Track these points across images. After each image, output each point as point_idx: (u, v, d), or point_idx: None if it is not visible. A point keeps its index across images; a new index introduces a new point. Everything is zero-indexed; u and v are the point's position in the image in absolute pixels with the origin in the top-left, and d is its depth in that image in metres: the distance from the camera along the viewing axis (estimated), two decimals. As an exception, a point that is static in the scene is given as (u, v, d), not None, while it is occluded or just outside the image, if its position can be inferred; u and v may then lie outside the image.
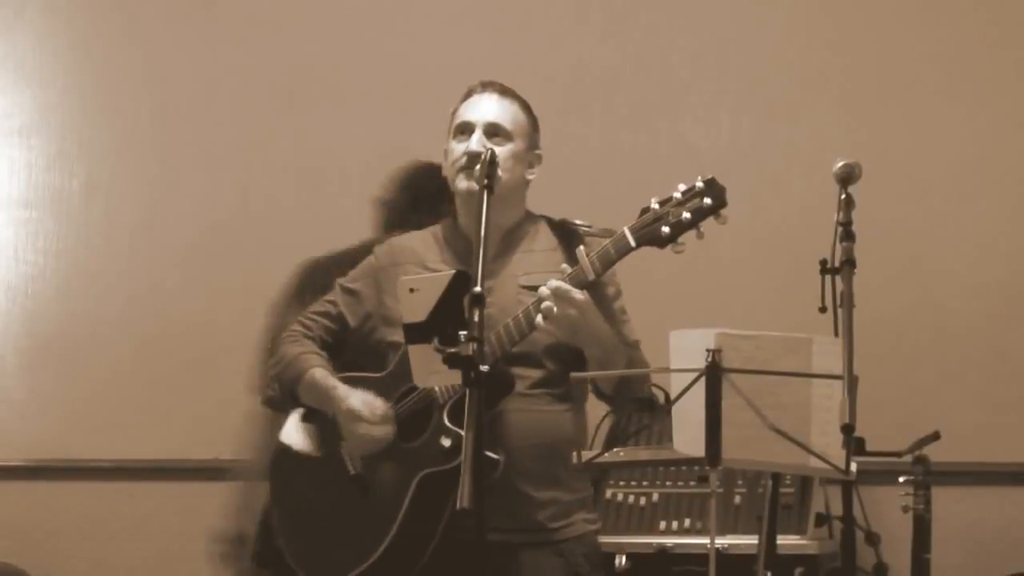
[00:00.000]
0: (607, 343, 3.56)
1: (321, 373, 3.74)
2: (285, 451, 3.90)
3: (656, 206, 3.43)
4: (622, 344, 3.62)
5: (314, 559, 3.76)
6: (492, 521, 3.48)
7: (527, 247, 3.71)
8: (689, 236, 3.41)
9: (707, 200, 3.39)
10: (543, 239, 3.70)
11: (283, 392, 3.85)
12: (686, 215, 3.39)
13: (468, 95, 3.77)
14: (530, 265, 3.62)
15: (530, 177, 3.76)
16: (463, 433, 3.31)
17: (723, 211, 3.41)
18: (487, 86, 3.77)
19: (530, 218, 3.78)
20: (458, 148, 3.68)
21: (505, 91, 3.76)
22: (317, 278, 4.34)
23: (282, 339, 3.88)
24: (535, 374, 3.60)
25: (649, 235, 3.42)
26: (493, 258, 3.69)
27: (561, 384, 3.63)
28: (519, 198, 3.76)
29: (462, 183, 3.64)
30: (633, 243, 3.44)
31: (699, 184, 3.41)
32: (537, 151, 3.77)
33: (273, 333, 4.18)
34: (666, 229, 3.40)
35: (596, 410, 3.91)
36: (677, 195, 3.42)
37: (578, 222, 3.64)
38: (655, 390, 3.74)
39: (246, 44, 5.69)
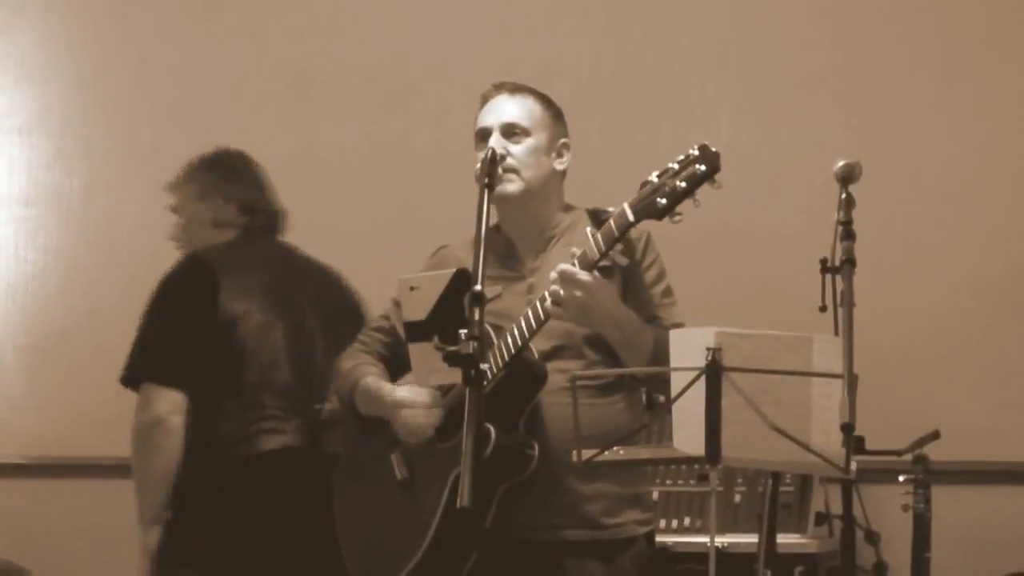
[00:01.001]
0: (625, 325, 3.56)
1: (373, 379, 3.79)
2: (344, 459, 3.95)
3: (655, 179, 3.44)
4: (648, 325, 3.60)
5: (366, 565, 3.80)
6: (543, 518, 3.53)
7: (567, 241, 3.70)
8: (688, 207, 3.41)
9: (700, 167, 3.38)
10: (582, 232, 3.65)
11: (343, 405, 3.90)
12: (680, 184, 3.39)
13: (483, 101, 3.78)
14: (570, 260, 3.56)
15: (560, 167, 3.77)
16: (491, 429, 3.33)
17: (717, 176, 3.39)
18: (499, 88, 3.78)
19: (569, 211, 3.78)
20: (480, 156, 3.66)
21: (516, 88, 3.77)
22: None
23: (342, 356, 3.93)
24: (576, 366, 3.58)
25: (647, 208, 3.43)
26: (535, 255, 3.72)
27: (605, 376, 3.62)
28: (553, 190, 3.77)
29: None
30: (632, 217, 3.44)
31: (693, 152, 3.41)
32: (563, 140, 3.77)
33: None
34: (662, 201, 3.40)
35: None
36: (673, 165, 3.42)
37: (611, 209, 3.59)
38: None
39: (246, 44, 5.69)
